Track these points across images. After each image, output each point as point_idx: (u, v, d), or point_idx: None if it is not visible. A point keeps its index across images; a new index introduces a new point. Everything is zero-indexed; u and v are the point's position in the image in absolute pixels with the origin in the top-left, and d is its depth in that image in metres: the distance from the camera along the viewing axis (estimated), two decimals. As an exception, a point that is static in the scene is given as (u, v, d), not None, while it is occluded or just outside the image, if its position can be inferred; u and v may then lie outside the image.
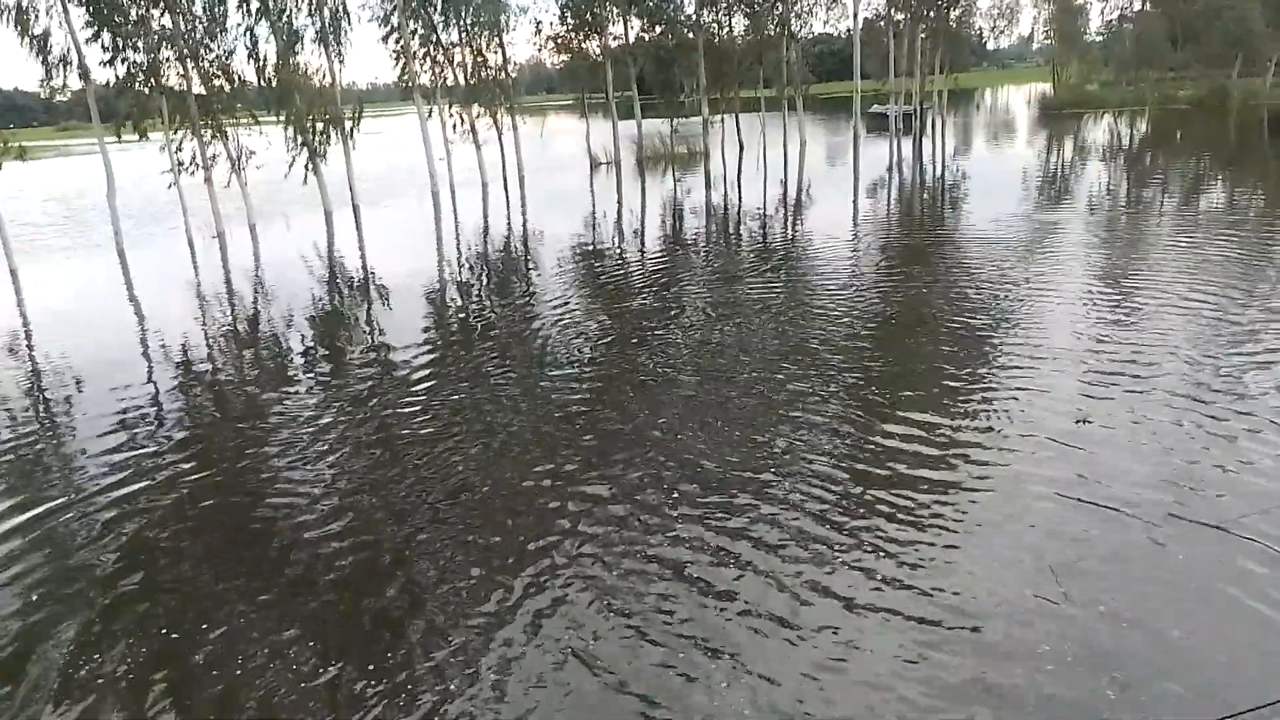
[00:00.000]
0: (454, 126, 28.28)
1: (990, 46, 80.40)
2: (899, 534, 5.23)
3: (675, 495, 5.92)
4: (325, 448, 7.31)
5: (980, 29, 59.37)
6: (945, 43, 42.75)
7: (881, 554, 5.02)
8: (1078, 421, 6.50)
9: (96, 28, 19.13)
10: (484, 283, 14.56)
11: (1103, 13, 53.80)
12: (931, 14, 40.26)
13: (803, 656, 4.25)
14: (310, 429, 7.75)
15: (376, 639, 4.64)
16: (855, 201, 21.70)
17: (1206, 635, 4.20)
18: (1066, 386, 7.39)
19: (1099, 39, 55.78)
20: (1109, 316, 9.50)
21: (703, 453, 6.56)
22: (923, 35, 40.39)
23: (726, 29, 36.22)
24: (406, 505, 6.12)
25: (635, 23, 34.19)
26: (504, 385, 8.67)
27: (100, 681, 4.42)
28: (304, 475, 6.77)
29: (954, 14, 42.93)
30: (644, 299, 12.05)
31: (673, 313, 11.12)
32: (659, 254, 15.98)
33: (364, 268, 16.67)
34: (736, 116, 36.28)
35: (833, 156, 33.04)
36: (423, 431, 7.53)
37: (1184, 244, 13.35)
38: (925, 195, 22.10)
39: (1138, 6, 51.07)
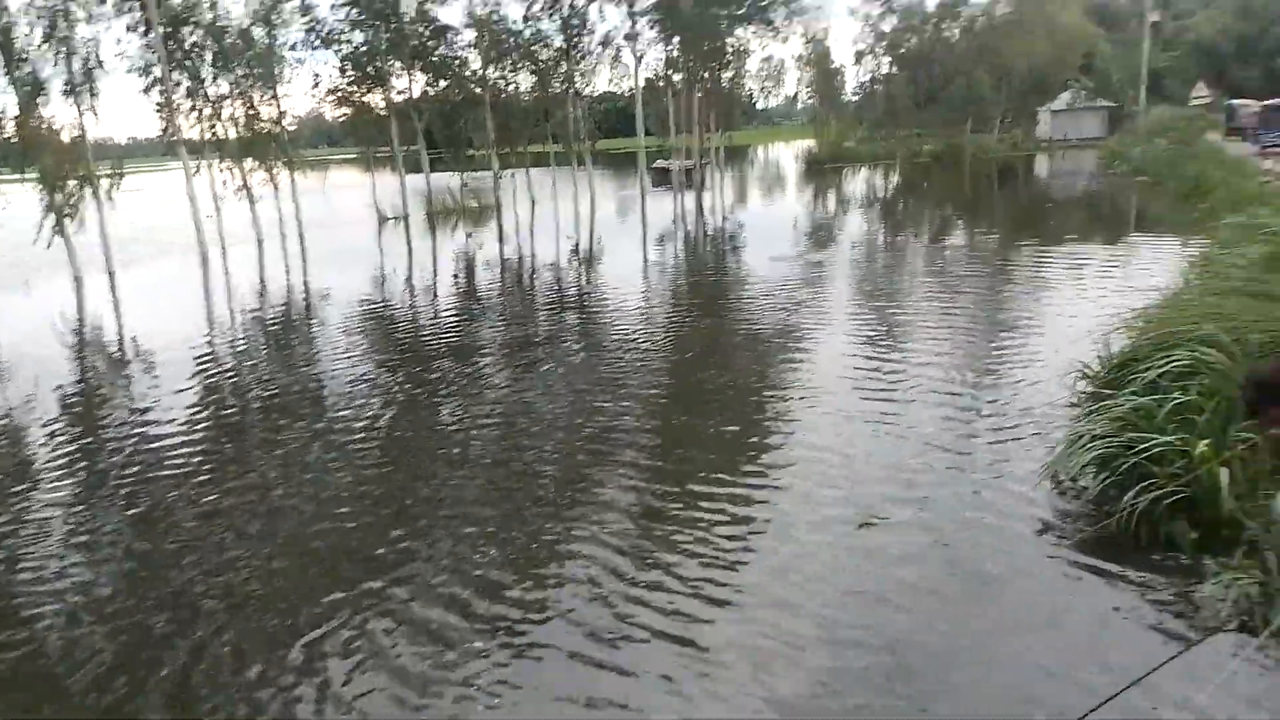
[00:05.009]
0: (224, 182, 26.63)
1: (760, 106, 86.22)
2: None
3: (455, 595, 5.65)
4: (71, 544, 6.47)
5: (751, 90, 63.71)
6: (720, 102, 45.42)
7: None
8: (860, 525, 5.89)
9: None
10: (257, 348, 13.60)
11: (857, 75, 59.05)
12: (706, 76, 42.70)
13: None
14: (56, 520, 6.84)
15: None
16: (644, 253, 22.39)
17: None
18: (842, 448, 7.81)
19: (854, 99, 61.32)
20: (879, 362, 10.26)
21: (480, 550, 6.29)
22: (699, 95, 42.71)
23: (513, 85, 36.65)
24: (165, 598, 5.51)
25: (420, 77, 33.88)
26: (278, 464, 8.08)
27: None
28: (46, 572, 5.94)
29: (726, 76, 45.74)
30: (435, 360, 11.70)
31: (466, 373, 10.89)
32: (452, 311, 15.68)
33: (120, 335, 15.15)
34: (528, 171, 36.60)
35: (622, 210, 34.00)
36: (183, 518, 6.85)
37: (935, 279, 14.81)
38: (709, 245, 23.20)
39: (885, 70, 56.69)
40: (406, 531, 6.25)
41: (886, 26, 54.22)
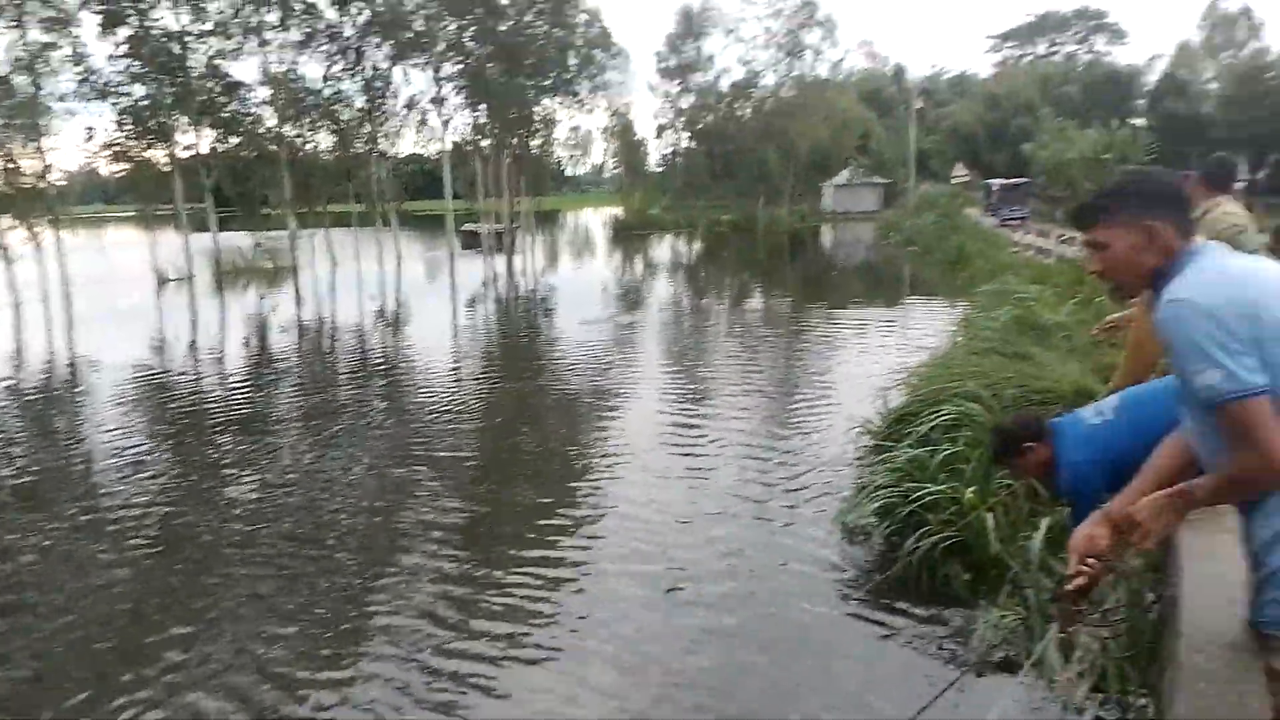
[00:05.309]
0: (-27, 240, 23.90)
1: (569, 173, 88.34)
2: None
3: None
4: None
5: (560, 157, 65.29)
6: (528, 168, 46.05)
7: None
8: (669, 590, 5.86)
9: None
10: (7, 422, 12.03)
11: (659, 148, 62.01)
12: (514, 142, 43.22)
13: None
14: None
15: None
16: (454, 315, 22.04)
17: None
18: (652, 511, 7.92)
19: (658, 170, 64.17)
20: (685, 419, 10.53)
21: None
22: (508, 161, 43.12)
23: (312, 144, 35.42)
24: None
25: (209, 132, 32.06)
26: (23, 558, 7.12)
27: None
28: None
29: (535, 143, 46.55)
30: (220, 433, 10.81)
31: (255, 446, 10.13)
32: (241, 378, 14.64)
33: None
34: (328, 231, 35.23)
35: (430, 272, 33.41)
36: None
37: (736, 340, 15.51)
38: (520, 308, 23.20)
39: (685, 144, 59.80)
40: (176, 623, 5.61)
41: (684, 103, 57.53)
